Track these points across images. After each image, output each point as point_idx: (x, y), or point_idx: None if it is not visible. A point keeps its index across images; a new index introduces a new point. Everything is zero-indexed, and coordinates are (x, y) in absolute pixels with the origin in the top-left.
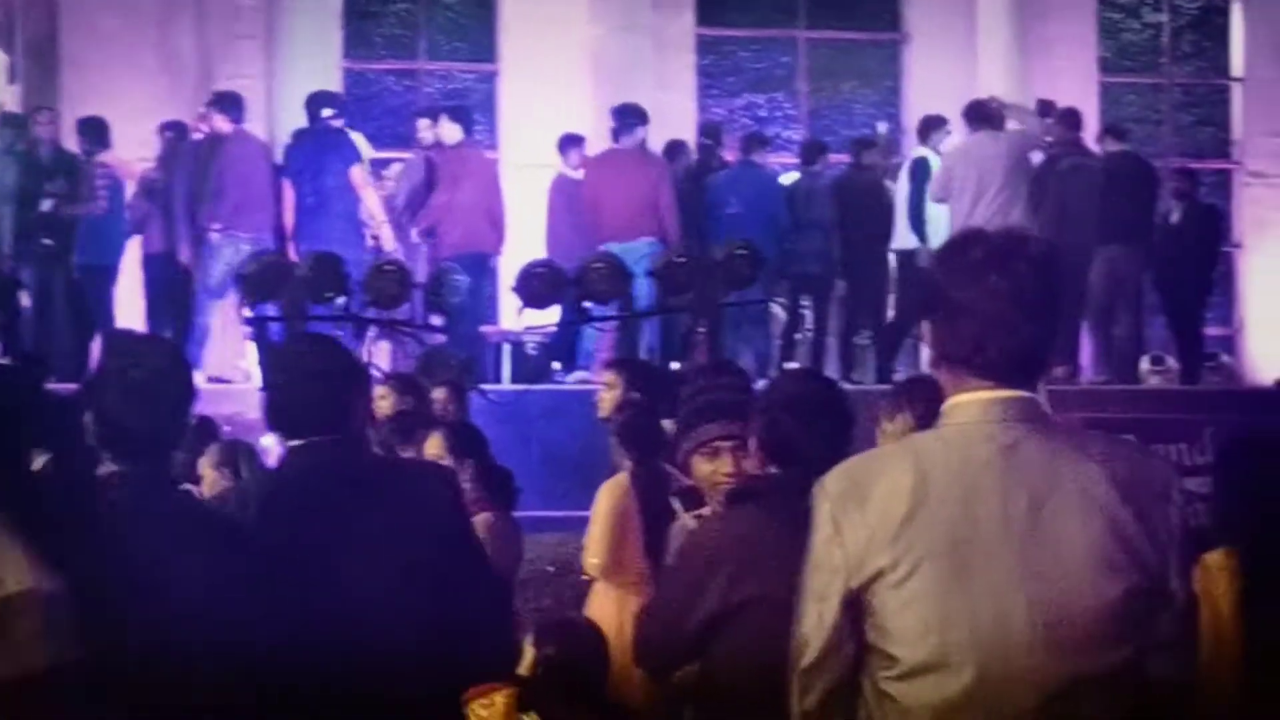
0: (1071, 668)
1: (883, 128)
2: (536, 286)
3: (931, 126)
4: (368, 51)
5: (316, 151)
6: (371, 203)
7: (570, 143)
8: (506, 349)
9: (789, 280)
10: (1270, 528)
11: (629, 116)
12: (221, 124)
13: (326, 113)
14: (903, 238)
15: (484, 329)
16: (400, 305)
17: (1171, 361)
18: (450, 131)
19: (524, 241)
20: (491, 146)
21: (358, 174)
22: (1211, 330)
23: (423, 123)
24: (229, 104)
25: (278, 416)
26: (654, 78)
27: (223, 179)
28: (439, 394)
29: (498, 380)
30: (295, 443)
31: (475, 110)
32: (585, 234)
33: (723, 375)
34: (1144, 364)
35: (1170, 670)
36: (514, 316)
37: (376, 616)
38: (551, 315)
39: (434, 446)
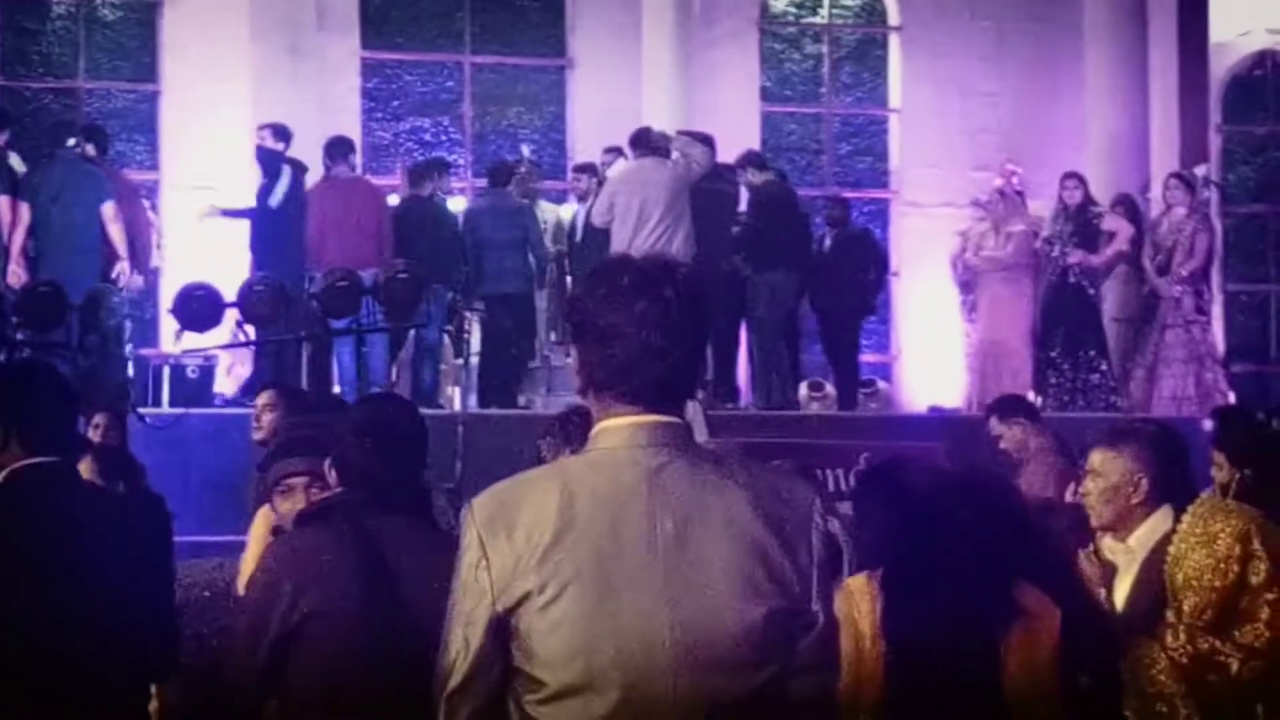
0: (714, 689)
1: (527, 150)
2: (195, 309)
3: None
4: (26, 69)
5: (66, 181)
6: (118, 239)
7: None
8: (166, 372)
9: (483, 301)
10: (907, 551)
11: (338, 148)
12: None
13: (71, 141)
14: None
15: (142, 351)
16: (55, 328)
17: (830, 387)
18: (86, 151)
19: (186, 263)
20: (153, 167)
21: (109, 210)
22: (870, 357)
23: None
24: None
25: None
26: (318, 100)
27: None
28: (97, 419)
29: (157, 404)
30: (24, 462)
31: (136, 130)
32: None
33: (311, 413)
34: (803, 389)
35: (813, 691)
36: (173, 339)
37: (69, 629)
38: (211, 338)
39: (83, 470)
